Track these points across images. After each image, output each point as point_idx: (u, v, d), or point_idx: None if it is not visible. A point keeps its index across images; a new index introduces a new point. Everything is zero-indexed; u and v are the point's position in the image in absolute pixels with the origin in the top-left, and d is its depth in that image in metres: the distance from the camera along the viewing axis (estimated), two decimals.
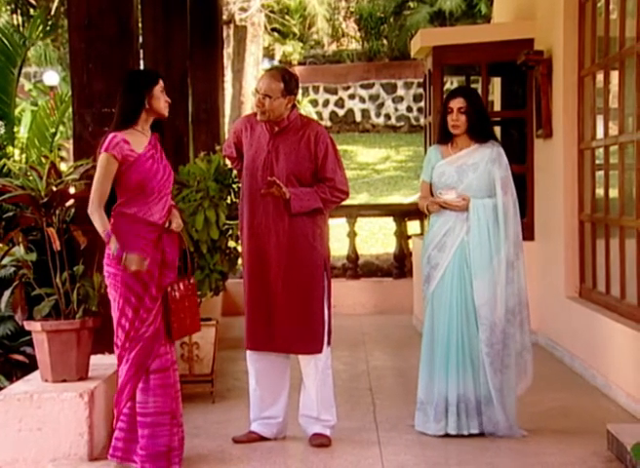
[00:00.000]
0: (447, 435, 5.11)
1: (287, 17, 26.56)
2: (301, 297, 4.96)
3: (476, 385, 5.14)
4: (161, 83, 4.62)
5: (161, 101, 4.60)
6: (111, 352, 4.76)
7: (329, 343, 5.06)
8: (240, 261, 6.43)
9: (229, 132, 5.36)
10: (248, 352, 5.13)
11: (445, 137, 5.32)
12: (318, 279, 5.00)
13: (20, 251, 5.26)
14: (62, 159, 12.99)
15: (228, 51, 21.52)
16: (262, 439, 5.11)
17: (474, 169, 5.20)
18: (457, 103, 5.20)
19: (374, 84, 24.37)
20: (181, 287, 4.66)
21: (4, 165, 7.62)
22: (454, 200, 5.17)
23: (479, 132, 5.22)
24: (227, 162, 5.93)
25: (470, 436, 5.12)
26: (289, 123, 5.01)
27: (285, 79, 4.96)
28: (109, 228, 4.48)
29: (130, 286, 4.49)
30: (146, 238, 4.53)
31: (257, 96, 4.97)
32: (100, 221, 4.50)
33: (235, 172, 5.97)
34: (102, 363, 5.21)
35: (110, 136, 4.51)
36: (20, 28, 15.43)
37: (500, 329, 5.10)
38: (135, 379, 4.53)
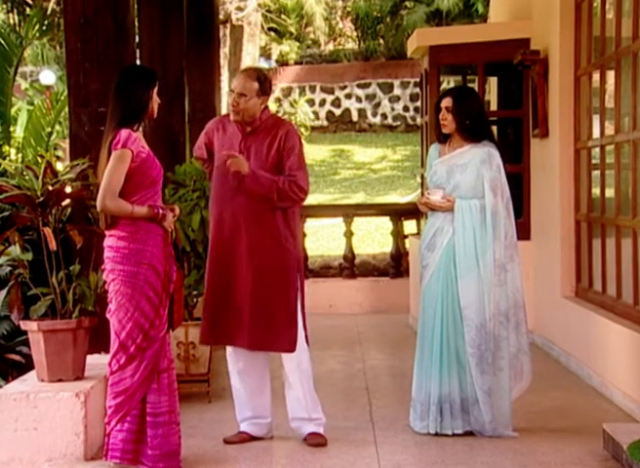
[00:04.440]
0: (444, 434, 5.10)
1: (283, 16, 26.56)
2: (274, 298, 4.91)
3: (462, 385, 5.12)
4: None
5: (156, 103, 4.60)
6: (108, 352, 4.66)
7: (307, 343, 5.05)
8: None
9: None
10: (228, 352, 5.09)
11: (443, 136, 5.32)
12: (292, 280, 4.96)
13: (15, 250, 5.25)
14: (59, 158, 12.97)
15: (225, 50, 21.51)
16: (253, 438, 5.10)
17: (463, 169, 5.18)
18: (445, 102, 5.23)
19: (370, 83, 24.35)
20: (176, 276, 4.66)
21: (0, 164, 7.61)
22: (437, 201, 5.17)
23: (470, 132, 5.20)
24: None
25: (467, 435, 5.11)
26: (261, 123, 4.99)
27: (260, 79, 4.96)
28: (135, 206, 4.43)
29: (152, 283, 4.45)
30: (159, 234, 4.51)
31: (231, 95, 4.97)
32: (125, 207, 4.40)
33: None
34: (99, 362, 5.19)
35: (125, 132, 4.41)
36: (17, 28, 15.42)
37: (487, 330, 5.07)
38: (149, 380, 4.48)
